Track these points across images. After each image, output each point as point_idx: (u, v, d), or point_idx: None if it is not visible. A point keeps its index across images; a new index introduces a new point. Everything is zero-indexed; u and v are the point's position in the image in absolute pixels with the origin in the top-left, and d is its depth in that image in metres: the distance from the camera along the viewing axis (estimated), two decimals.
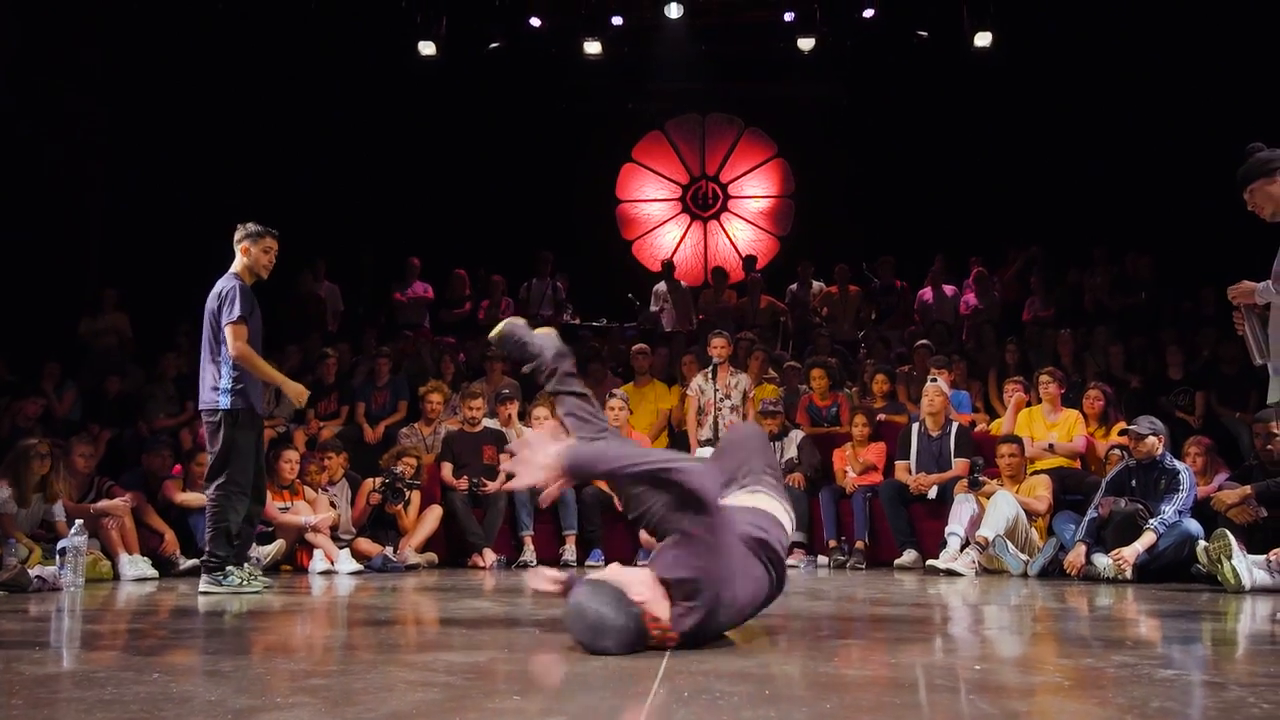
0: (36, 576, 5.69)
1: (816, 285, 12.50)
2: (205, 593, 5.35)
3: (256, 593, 5.40)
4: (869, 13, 12.56)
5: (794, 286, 12.57)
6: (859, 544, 7.44)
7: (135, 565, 6.63)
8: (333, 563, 7.03)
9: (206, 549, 5.52)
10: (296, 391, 5.80)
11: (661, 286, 12.71)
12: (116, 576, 6.57)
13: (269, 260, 5.80)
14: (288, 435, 8.73)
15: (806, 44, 12.18)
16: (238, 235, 5.79)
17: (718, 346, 8.61)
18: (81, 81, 10.98)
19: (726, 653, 3.20)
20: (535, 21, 12.58)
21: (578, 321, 12.50)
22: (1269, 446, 6.26)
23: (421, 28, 12.06)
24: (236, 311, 5.49)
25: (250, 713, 2.18)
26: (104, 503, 6.78)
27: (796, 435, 8.19)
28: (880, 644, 3.25)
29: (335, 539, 7.32)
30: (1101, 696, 2.44)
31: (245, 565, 5.69)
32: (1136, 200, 11.62)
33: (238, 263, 5.75)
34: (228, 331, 5.50)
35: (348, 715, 2.15)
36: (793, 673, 2.79)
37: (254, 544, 7.08)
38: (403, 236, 12.57)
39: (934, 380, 7.62)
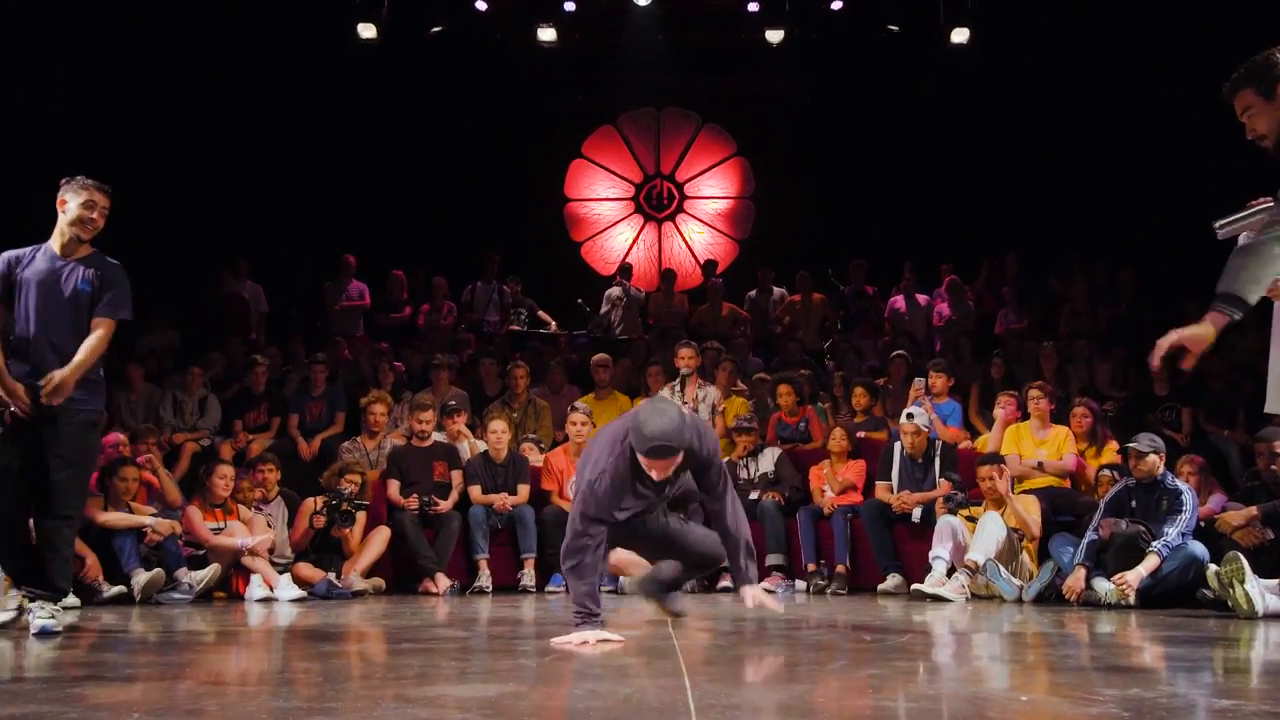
0: None
1: (777, 292, 12.55)
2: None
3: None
4: (837, 4, 12.68)
5: (753, 293, 12.62)
6: (840, 568, 7.47)
7: None
8: (272, 589, 6.89)
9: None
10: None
11: (615, 290, 12.68)
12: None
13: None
14: (213, 449, 8.56)
15: (775, 36, 12.24)
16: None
17: (685, 358, 8.65)
18: None
19: (693, 677, 3.20)
20: (481, 5, 12.54)
21: (524, 330, 12.39)
22: (1273, 466, 6.43)
23: (361, 8, 11.97)
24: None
25: None
26: None
27: (772, 452, 8.15)
28: (863, 673, 3.26)
29: (271, 563, 7.18)
30: None
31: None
32: (1118, 208, 11.86)
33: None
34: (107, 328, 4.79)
35: None
36: (764, 704, 2.80)
37: (185, 568, 6.93)
38: (335, 234, 12.40)
39: (910, 416, 7.67)
